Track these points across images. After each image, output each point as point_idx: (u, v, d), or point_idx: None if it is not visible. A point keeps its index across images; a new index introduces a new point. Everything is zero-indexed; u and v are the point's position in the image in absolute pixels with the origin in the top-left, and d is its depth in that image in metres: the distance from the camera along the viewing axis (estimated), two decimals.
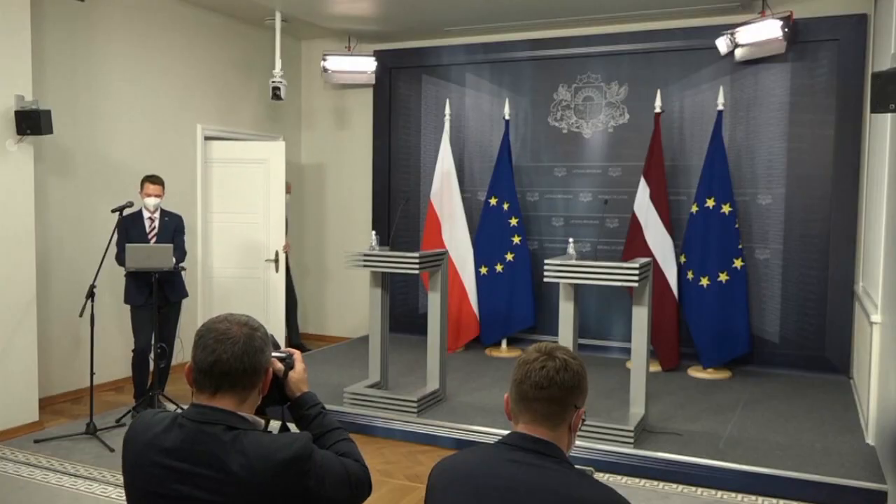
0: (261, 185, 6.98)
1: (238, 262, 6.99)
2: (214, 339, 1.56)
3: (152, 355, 5.25)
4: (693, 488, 4.16)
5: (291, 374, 1.76)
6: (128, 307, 5.28)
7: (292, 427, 1.72)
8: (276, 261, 6.92)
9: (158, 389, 5.23)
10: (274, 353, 1.71)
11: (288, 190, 7.23)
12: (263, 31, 7.34)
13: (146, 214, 5.31)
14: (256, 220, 6.98)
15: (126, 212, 5.10)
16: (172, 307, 5.38)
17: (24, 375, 4.97)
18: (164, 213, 5.38)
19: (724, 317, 6.11)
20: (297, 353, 1.80)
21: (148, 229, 5.30)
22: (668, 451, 4.38)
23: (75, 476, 4.26)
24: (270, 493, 1.50)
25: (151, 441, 1.57)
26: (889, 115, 4.06)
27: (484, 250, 6.98)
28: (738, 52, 6.23)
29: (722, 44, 6.19)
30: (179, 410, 1.62)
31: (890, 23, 4.65)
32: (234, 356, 1.55)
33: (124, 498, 1.62)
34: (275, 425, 1.74)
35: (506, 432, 1.67)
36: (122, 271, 5.18)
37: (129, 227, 5.20)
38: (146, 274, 5.10)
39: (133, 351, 5.27)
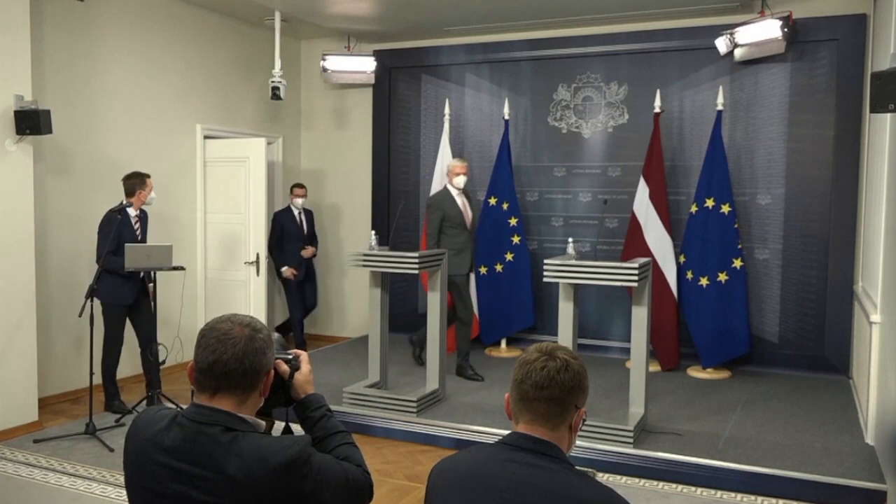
0: (241, 184, 6.85)
1: (227, 263, 6.90)
2: (216, 339, 1.56)
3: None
4: (693, 488, 4.16)
5: (297, 375, 1.75)
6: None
7: (297, 429, 1.72)
8: (257, 263, 6.78)
9: (158, 389, 5.25)
10: (279, 355, 1.71)
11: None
12: (263, 30, 7.34)
13: (132, 213, 5.24)
14: (241, 220, 6.84)
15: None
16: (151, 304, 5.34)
17: (24, 375, 4.97)
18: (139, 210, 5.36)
19: (723, 317, 6.11)
20: (303, 355, 1.79)
21: (135, 227, 5.27)
22: (668, 451, 4.38)
23: (75, 476, 4.26)
24: (267, 497, 1.49)
25: (152, 439, 1.57)
26: (889, 114, 4.06)
27: (484, 250, 6.96)
28: (738, 52, 6.23)
29: (721, 44, 6.19)
30: (179, 409, 1.62)
31: (890, 23, 4.65)
32: (234, 357, 1.54)
33: (124, 498, 1.62)
34: (280, 427, 1.73)
35: (506, 432, 1.67)
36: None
37: (123, 227, 5.11)
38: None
39: (108, 359, 5.21)
